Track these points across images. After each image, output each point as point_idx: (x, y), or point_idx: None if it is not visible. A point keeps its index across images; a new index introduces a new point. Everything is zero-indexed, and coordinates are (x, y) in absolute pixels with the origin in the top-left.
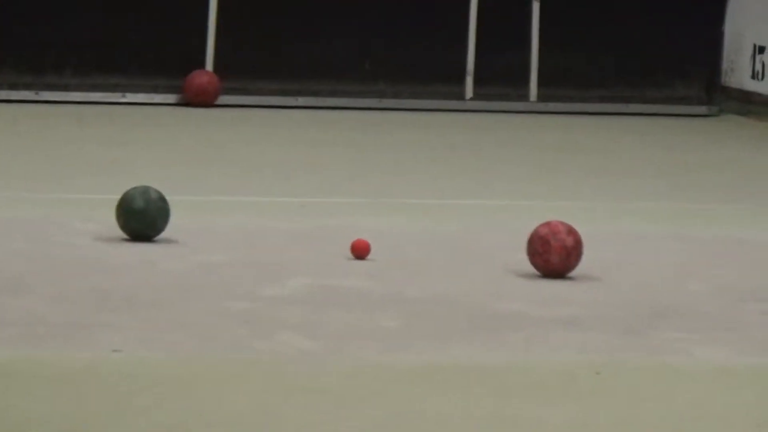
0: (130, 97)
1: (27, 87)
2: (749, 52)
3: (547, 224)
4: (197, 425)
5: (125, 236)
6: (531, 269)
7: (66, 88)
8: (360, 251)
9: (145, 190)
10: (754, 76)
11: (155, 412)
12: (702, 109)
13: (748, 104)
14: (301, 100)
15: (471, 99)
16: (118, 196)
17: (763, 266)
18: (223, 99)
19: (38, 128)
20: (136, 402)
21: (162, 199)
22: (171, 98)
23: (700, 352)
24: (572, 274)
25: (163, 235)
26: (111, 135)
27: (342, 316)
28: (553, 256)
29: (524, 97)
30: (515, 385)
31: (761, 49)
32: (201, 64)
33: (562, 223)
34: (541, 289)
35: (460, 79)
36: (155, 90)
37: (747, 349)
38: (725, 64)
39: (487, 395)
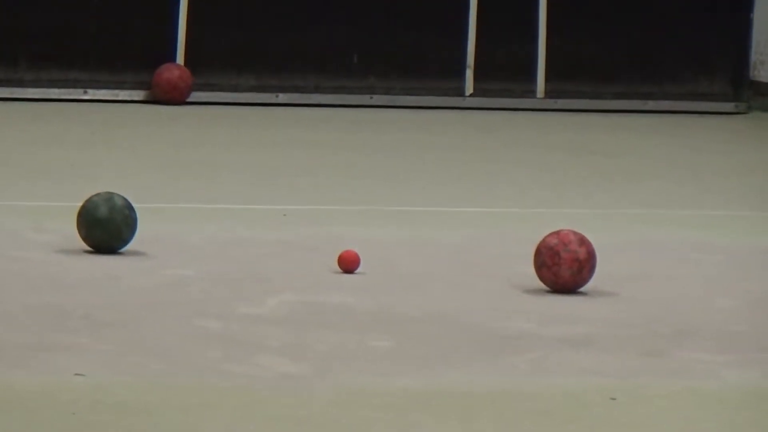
0: (93, 94)
1: None
2: None
3: (557, 234)
4: None
5: (87, 248)
6: (539, 284)
7: (20, 83)
8: (348, 264)
9: (109, 197)
10: None
11: None
12: (729, 106)
13: None
14: (282, 97)
15: (471, 95)
16: (78, 204)
17: None
18: (196, 96)
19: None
20: (101, 430)
21: (128, 207)
22: (138, 95)
23: (730, 375)
24: (584, 288)
25: (130, 246)
26: (71, 136)
27: (328, 336)
28: (564, 269)
29: (530, 93)
30: (520, 412)
31: None
32: (171, 57)
33: (574, 233)
34: (550, 305)
35: (460, 73)
36: (120, 86)
37: None
38: (754, 56)
39: (488, 424)
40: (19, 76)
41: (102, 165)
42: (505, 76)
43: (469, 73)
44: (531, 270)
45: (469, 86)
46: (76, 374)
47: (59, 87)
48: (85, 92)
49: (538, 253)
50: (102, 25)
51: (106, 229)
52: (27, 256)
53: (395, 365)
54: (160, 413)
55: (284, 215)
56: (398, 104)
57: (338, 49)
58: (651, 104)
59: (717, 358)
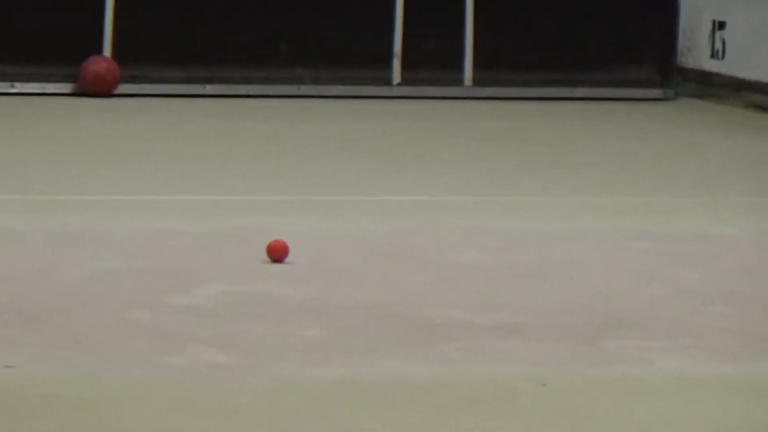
0: (19, 87)
1: None
2: (708, 28)
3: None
4: None
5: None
6: (470, 272)
7: None
8: (277, 254)
9: None
10: (713, 55)
11: None
12: (657, 93)
13: (706, 86)
14: (209, 89)
15: (399, 84)
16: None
17: (729, 266)
18: (123, 88)
19: None
20: (30, 423)
21: None
22: (65, 87)
23: (662, 361)
24: (516, 277)
25: (57, 239)
26: (2, 128)
27: (257, 326)
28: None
29: (458, 81)
30: (450, 401)
31: (721, 25)
32: (98, 49)
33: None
34: (481, 293)
35: (387, 63)
36: (47, 79)
37: (712, 357)
38: (681, 43)
39: (418, 412)
40: None
41: (29, 158)
42: (432, 65)
43: (397, 63)
44: (461, 258)
45: (397, 76)
46: (6, 366)
47: None
48: (12, 86)
49: None
50: (28, 19)
51: None
52: None
53: (326, 355)
54: (90, 406)
55: (213, 206)
56: (326, 94)
57: (265, 39)
58: (579, 92)
59: (650, 345)
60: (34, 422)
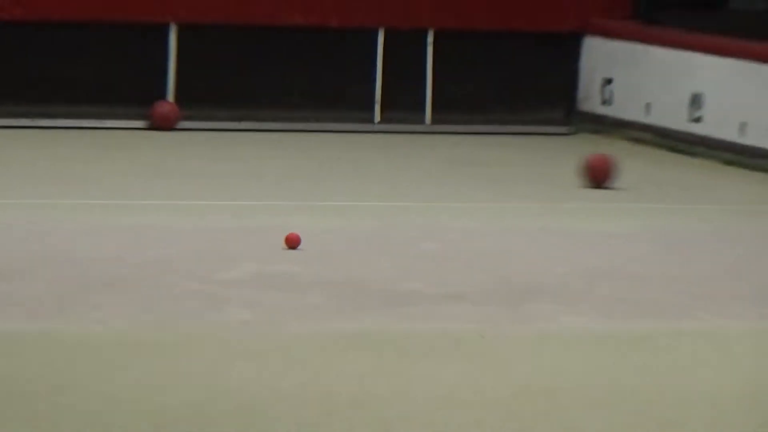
0: (108, 123)
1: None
2: (599, 84)
3: None
4: (164, 381)
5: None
6: (428, 257)
7: (53, 116)
8: (292, 243)
9: None
10: (603, 102)
11: (134, 371)
12: (563, 129)
13: (598, 125)
14: (244, 124)
15: (379, 122)
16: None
17: (611, 252)
18: (182, 124)
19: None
20: (118, 363)
21: None
22: (140, 124)
23: (566, 320)
24: (460, 260)
25: (133, 231)
26: (90, 153)
27: (276, 294)
28: None
29: (421, 120)
30: (415, 348)
31: (608, 81)
32: (164, 96)
33: None
34: (436, 272)
35: (370, 107)
36: (128, 117)
37: (604, 318)
38: (580, 94)
39: (393, 357)
40: (61, 111)
41: (114, 173)
42: (403, 109)
43: (377, 107)
44: (422, 247)
45: (377, 116)
46: (99, 322)
47: (87, 118)
48: (103, 122)
49: None
50: (115, 72)
51: None
52: (67, 236)
53: (324, 315)
54: (162, 347)
55: (241, 209)
56: (326, 129)
57: (283, 89)
58: (509, 128)
59: (557, 309)
60: (122, 361)
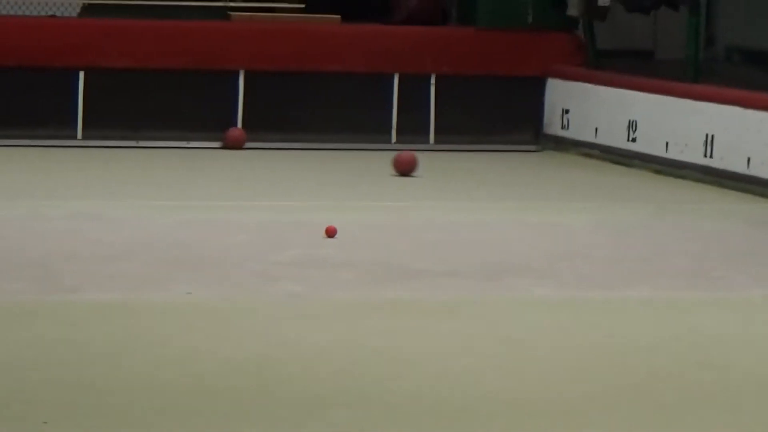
0: (192, 144)
1: (126, 138)
2: (559, 113)
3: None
4: (234, 337)
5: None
6: (433, 243)
7: (155, 139)
8: (330, 233)
9: None
10: (562, 127)
11: (211, 330)
12: (532, 147)
13: (559, 144)
14: (295, 145)
15: (394, 143)
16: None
17: (568, 239)
18: (249, 145)
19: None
20: (199, 324)
21: None
22: (215, 144)
23: (537, 291)
24: (458, 246)
25: (209, 224)
26: (180, 167)
27: (317, 272)
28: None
29: (426, 141)
30: (420, 310)
31: (566, 111)
32: (234, 122)
33: None
34: (437, 254)
35: (388, 131)
36: (205, 139)
37: (561, 288)
38: (545, 120)
39: (406, 318)
40: (159, 134)
41: (194, 182)
42: (412, 132)
43: (393, 131)
44: (427, 235)
45: (393, 138)
46: (187, 293)
47: (172, 140)
48: (188, 143)
49: None
50: (198, 103)
51: None
52: (145, 225)
53: (355, 287)
54: (234, 313)
55: (301, 207)
56: (355, 148)
57: (321, 115)
58: (489, 146)
59: (529, 282)
60: (206, 325)
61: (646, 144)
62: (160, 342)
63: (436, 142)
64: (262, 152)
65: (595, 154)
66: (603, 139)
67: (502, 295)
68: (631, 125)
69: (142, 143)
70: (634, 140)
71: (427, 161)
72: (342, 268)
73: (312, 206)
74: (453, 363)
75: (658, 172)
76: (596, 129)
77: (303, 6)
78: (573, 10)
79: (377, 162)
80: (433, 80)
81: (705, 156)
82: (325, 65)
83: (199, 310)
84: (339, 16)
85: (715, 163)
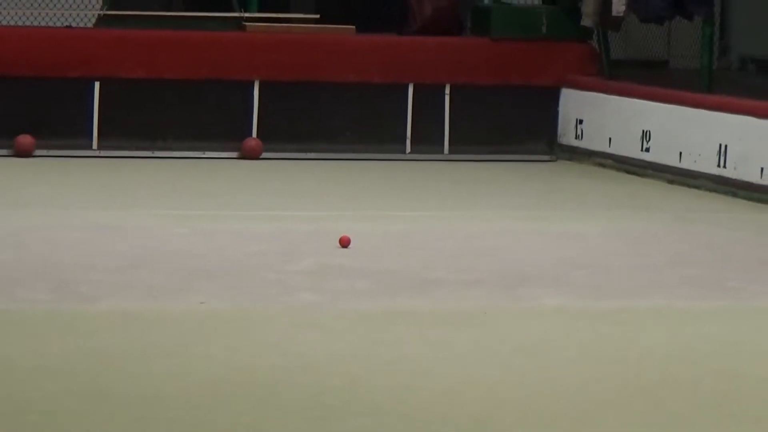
0: (208, 154)
1: (141, 148)
2: (573, 123)
3: None
4: (250, 346)
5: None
6: (448, 252)
7: (171, 149)
8: (345, 242)
9: None
10: (576, 137)
11: (227, 339)
12: (547, 157)
13: (573, 154)
14: (311, 155)
15: (409, 153)
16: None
17: (583, 248)
18: (264, 155)
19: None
20: (214, 334)
21: None
22: (233, 155)
23: (549, 300)
24: (473, 255)
25: (226, 234)
26: (195, 177)
27: (333, 281)
28: None
29: (441, 150)
30: (438, 320)
31: (580, 121)
32: (250, 133)
33: None
34: (454, 263)
35: (403, 141)
36: (223, 149)
37: (576, 298)
38: (560, 130)
39: (422, 327)
40: (169, 145)
41: (211, 190)
42: (427, 142)
43: (408, 141)
44: (444, 244)
45: (408, 148)
46: (201, 302)
47: (190, 150)
48: (204, 153)
49: None
50: (217, 115)
51: None
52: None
53: (371, 296)
54: (248, 322)
55: (315, 220)
56: (371, 158)
57: (339, 128)
58: (505, 156)
59: (541, 291)
60: (218, 332)
61: (660, 154)
62: (176, 351)
63: (451, 152)
64: (278, 162)
65: (608, 163)
66: (617, 149)
67: (518, 305)
68: (645, 135)
69: (157, 153)
70: (647, 150)
71: (441, 171)
72: (358, 277)
73: (327, 216)
74: (469, 372)
75: (671, 181)
76: (610, 139)
77: (318, 17)
78: (587, 20)
79: (392, 172)
80: (447, 90)
81: (718, 166)
82: (340, 75)
83: (215, 319)
84: (353, 27)
85: (728, 172)
